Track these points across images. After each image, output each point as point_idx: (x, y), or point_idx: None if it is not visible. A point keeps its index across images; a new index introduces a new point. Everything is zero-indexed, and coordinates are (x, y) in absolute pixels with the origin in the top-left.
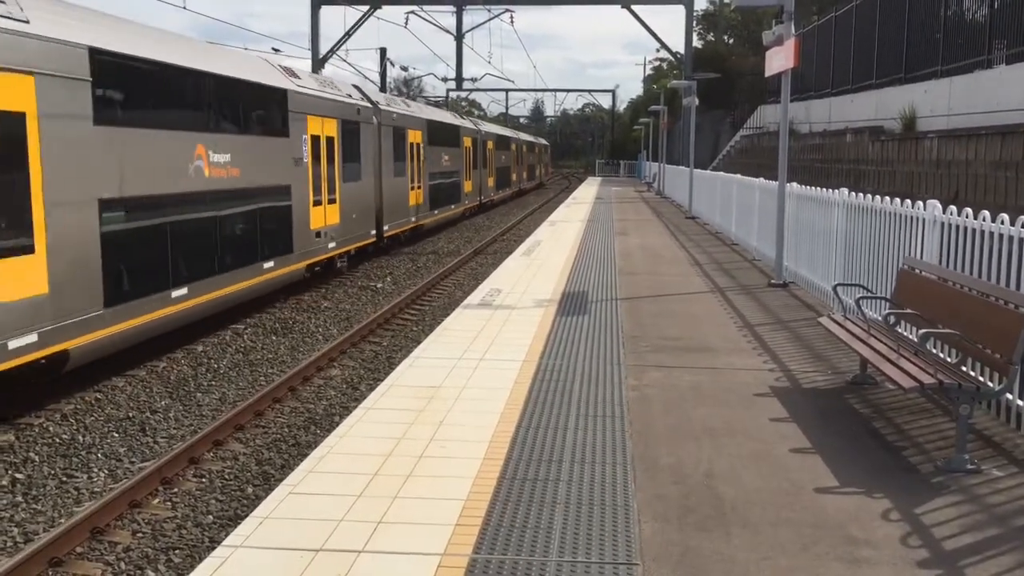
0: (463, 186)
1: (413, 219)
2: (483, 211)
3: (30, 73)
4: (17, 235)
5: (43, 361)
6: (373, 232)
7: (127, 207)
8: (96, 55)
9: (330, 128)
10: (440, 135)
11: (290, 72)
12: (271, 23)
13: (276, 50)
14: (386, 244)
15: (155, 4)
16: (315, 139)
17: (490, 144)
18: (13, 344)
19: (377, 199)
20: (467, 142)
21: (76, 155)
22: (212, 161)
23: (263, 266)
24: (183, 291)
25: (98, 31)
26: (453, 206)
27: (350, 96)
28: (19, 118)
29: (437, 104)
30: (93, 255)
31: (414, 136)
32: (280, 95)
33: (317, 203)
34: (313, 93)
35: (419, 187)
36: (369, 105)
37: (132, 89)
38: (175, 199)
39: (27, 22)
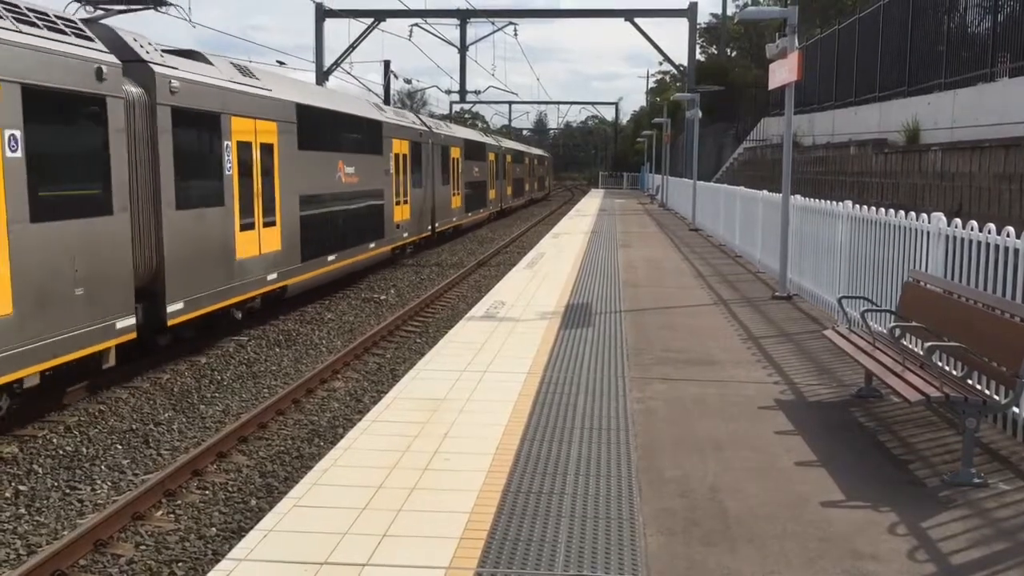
0: (488, 194)
1: (454, 219)
2: (502, 216)
3: (275, 120)
4: (272, 214)
5: (278, 290)
6: (429, 228)
7: (310, 200)
8: (298, 107)
9: (404, 148)
10: (472, 151)
11: (379, 107)
12: (276, 35)
13: (281, 63)
14: (436, 237)
15: (156, 15)
16: (396, 156)
17: (508, 158)
18: (269, 277)
19: (431, 202)
20: (491, 157)
21: (291, 168)
22: (345, 172)
23: (368, 246)
24: (333, 257)
25: (295, 91)
26: (481, 210)
27: (414, 123)
28: (272, 148)
29: (462, 122)
30: (297, 229)
31: (455, 152)
32: (378, 125)
33: (397, 203)
34: (395, 122)
35: (458, 194)
36: (426, 128)
37: (312, 126)
38: (329, 196)
39: (270, 90)
